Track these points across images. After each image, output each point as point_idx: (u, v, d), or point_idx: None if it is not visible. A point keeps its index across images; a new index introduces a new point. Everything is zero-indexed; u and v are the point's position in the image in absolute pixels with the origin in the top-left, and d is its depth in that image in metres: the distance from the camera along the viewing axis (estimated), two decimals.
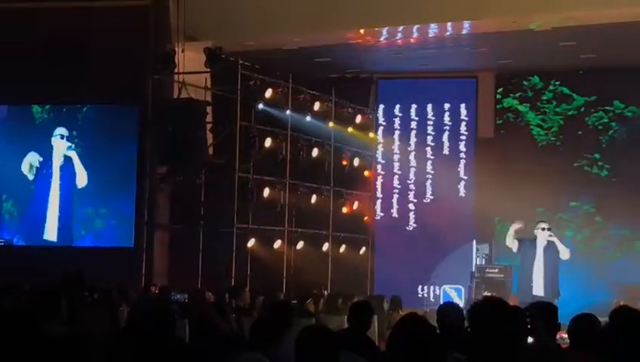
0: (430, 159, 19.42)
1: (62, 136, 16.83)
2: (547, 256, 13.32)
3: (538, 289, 13.19)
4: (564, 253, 13.31)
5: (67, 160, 16.81)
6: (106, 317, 5.80)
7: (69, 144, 16.74)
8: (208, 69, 16.23)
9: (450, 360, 4.42)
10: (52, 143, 16.88)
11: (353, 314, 7.46)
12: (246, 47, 16.71)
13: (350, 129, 18.79)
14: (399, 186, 19.64)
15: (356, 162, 18.96)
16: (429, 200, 19.34)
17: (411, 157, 19.53)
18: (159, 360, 5.42)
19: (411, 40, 17.02)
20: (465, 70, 19.21)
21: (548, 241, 13.32)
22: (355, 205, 18.97)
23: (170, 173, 16.37)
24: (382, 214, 19.74)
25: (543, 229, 13.46)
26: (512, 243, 13.62)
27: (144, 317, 5.59)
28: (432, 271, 18.77)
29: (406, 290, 16.76)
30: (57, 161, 16.88)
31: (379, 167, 19.84)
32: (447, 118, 19.39)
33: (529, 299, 11.31)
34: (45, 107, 17.21)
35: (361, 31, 16.37)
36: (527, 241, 13.78)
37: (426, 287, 18.94)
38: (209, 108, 16.42)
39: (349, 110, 18.85)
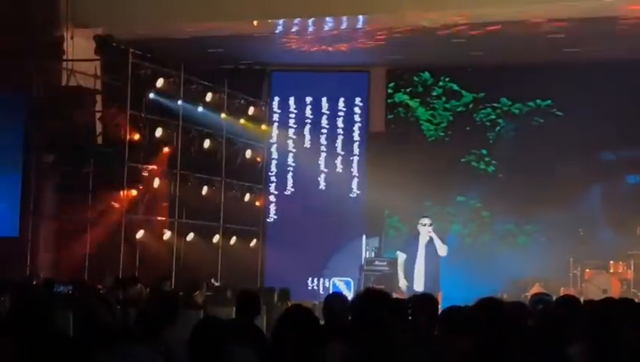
0: (322, 152, 19.49)
1: None
2: (428, 252, 13.49)
3: (418, 285, 13.35)
4: (441, 250, 13.45)
5: None
6: None
7: None
8: (98, 57, 15.96)
9: (329, 350, 4.46)
10: None
11: (240, 302, 7.46)
12: (137, 36, 16.49)
13: (242, 120, 18.75)
14: (291, 179, 19.66)
15: (248, 154, 18.93)
16: (320, 193, 19.39)
17: (303, 150, 19.56)
18: (38, 353, 5.31)
19: (305, 33, 17.05)
20: (357, 64, 19.34)
21: (429, 237, 13.50)
22: (247, 197, 18.94)
23: (57, 162, 16.04)
24: (273, 207, 19.73)
25: (424, 225, 13.62)
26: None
27: (22, 308, 5.47)
28: (322, 263, 18.87)
29: (296, 283, 16.81)
30: None
31: (270, 159, 19.81)
32: (339, 112, 19.50)
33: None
34: None
35: (255, 22, 16.32)
36: (410, 238, 13.99)
37: (316, 280, 19.05)
38: (98, 97, 16.16)
39: (242, 102, 18.81)
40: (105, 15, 16.11)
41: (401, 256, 13.74)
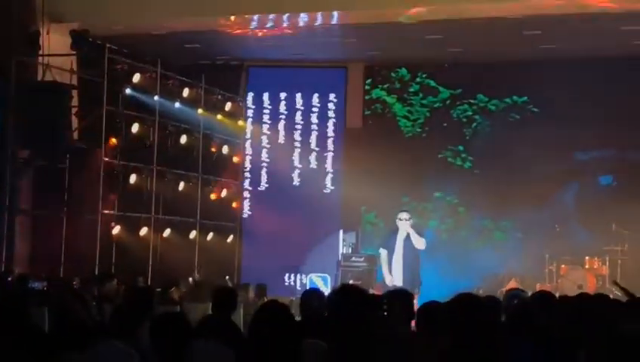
0: (298, 148, 19.48)
1: None
2: (406, 246, 13.53)
3: (397, 279, 13.40)
4: (418, 243, 13.51)
5: None
6: None
7: None
8: (74, 52, 15.88)
9: (306, 346, 4.46)
10: None
11: (216, 299, 7.47)
12: (114, 31, 16.41)
13: (219, 116, 18.71)
14: (265, 175, 19.64)
15: (225, 150, 18.90)
16: (294, 189, 19.39)
17: (279, 145, 19.54)
18: (14, 349, 5.28)
19: (282, 29, 17.02)
20: (335, 60, 19.34)
21: (407, 232, 13.54)
22: (224, 193, 18.91)
23: (32, 158, 15.92)
24: (247, 203, 19.70)
25: (401, 219, 13.68)
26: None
27: None
28: (300, 259, 18.86)
29: (273, 279, 16.84)
30: None
31: (247, 154, 19.79)
32: (316, 108, 19.49)
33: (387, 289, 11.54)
34: None
35: (232, 18, 16.29)
36: (390, 234, 14.03)
37: (293, 275, 19.04)
38: (75, 92, 16.06)
39: (219, 97, 18.77)
40: (81, 10, 16.01)
41: (383, 252, 13.80)
